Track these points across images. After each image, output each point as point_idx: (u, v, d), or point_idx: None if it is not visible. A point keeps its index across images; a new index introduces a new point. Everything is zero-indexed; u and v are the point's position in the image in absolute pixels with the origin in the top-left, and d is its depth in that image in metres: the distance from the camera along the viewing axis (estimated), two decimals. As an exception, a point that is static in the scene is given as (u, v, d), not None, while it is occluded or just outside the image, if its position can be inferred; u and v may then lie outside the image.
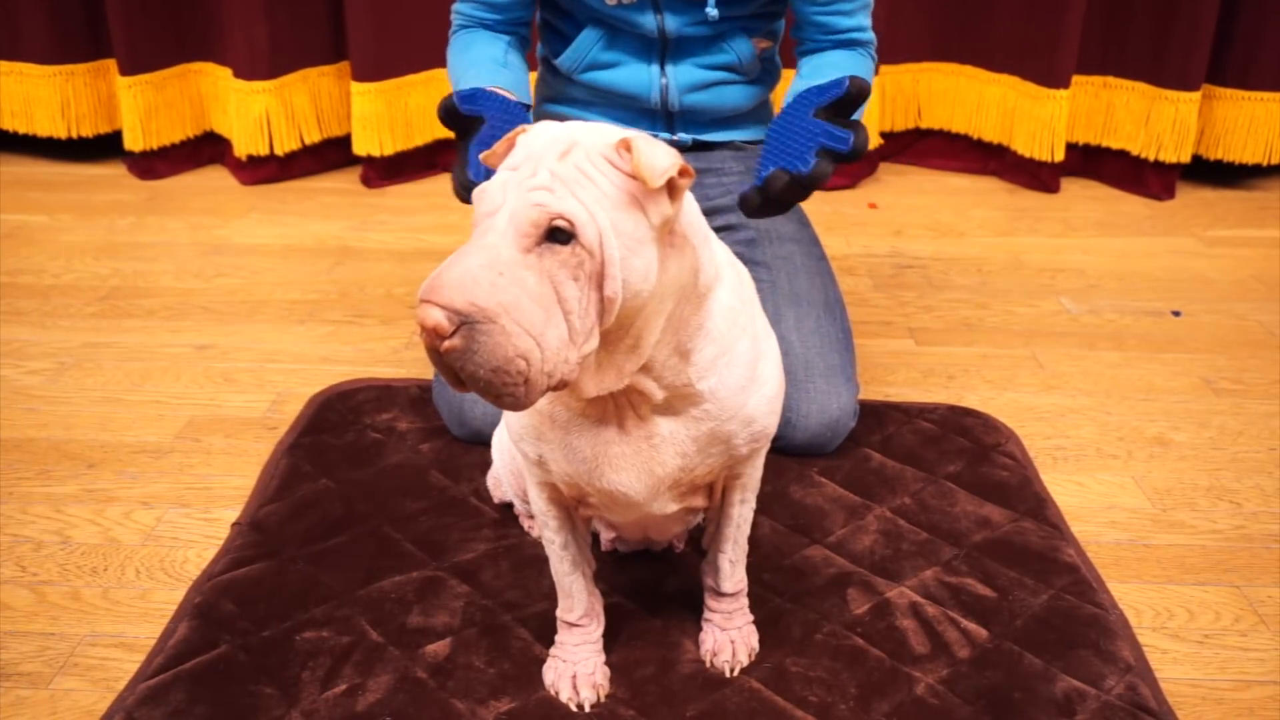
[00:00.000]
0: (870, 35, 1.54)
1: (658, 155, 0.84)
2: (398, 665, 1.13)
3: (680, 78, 1.56)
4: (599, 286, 0.84)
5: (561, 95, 1.66)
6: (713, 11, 1.47)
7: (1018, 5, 2.57)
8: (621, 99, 1.60)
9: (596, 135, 0.87)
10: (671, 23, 1.50)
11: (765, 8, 1.54)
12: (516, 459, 1.21)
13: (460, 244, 2.24)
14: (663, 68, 1.55)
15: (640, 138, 0.85)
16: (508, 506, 1.38)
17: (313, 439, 1.52)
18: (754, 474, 1.08)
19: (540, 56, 1.67)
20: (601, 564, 1.26)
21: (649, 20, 1.50)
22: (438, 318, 0.79)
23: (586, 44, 1.57)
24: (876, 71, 1.60)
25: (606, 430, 0.97)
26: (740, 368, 0.98)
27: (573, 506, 1.07)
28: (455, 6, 1.58)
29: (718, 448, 1.00)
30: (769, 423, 1.02)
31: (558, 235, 0.82)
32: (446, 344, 0.80)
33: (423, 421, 1.57)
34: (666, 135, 1.62)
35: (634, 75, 1.57)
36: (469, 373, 0.81)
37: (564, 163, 0.85)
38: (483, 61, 1.50)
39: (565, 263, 0.82)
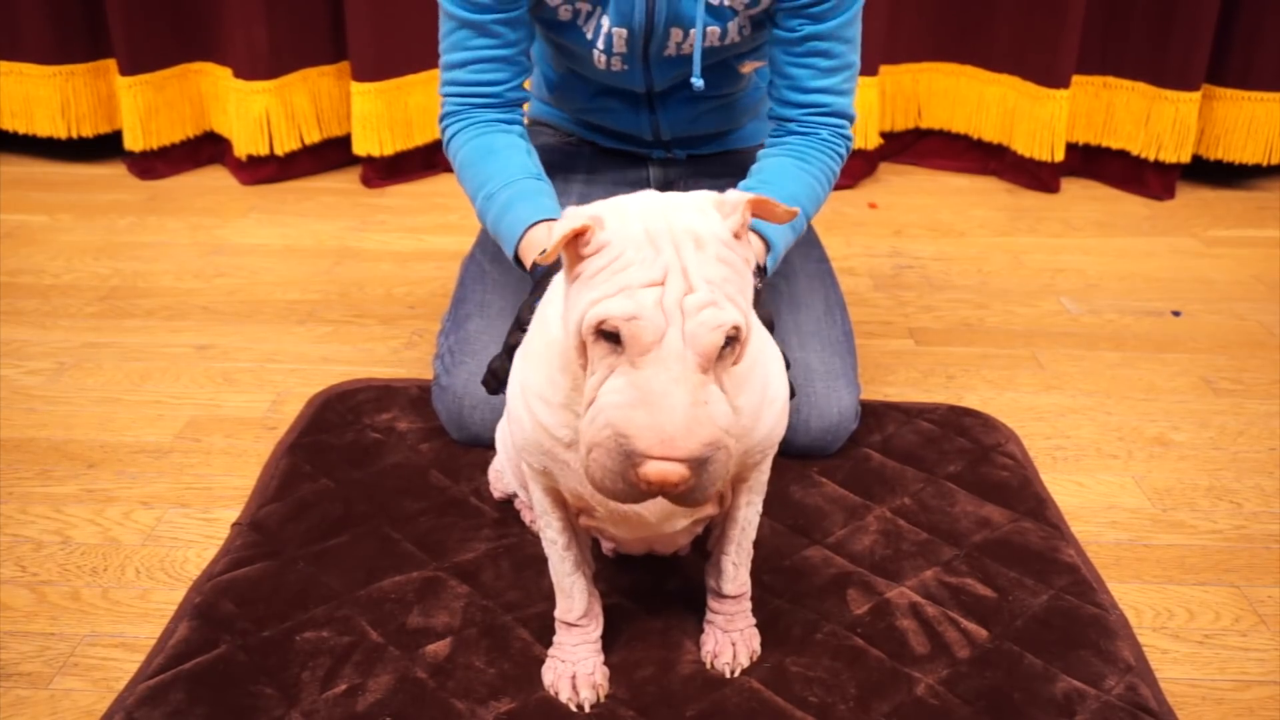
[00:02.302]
0: (845, 105, 1.41)
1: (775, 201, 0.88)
2: (398, 665, 1.13)
3: (670, 116, 1.55)
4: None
5: (558, 109, 1.66)
6: (698, 82, 1.39)
7: (1017, 5, 2.57)
8: (614, 133, 1.61)
9: (701, 216, 0.85)
10: (660, 81, 1.48)
11: (754, 41, 1.48)
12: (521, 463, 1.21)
13: (460, 245, 2.24)
14: (652, 111, 1.55)
15: (742, 196, 0.87)
16: (508, 503, 1.38)
17: (313, 439, 1.52)
18: (761, 478, 1.08)
19: (534, 56, 1.67)
20: (602, 564, 1.26)
21: (638, 82, 1.48)
22: (683, 471, 0.79)
23: (576, 93, 1.57)
24: (844, 159, 1.45)
25: None
26: (758, 385, 0.98)
27: (574, 515, 1.07)
28: (447, 78, 1.42)
29: (733, 462, 1.00)
30: (780, 433, 1.03)
31: (728, 341, 0.83)
32: (684, 487, 0.80)
33: (423, 421, 1.56)
34: (661, 154, 1.62)
35: (624, 119, 1.57)
36: (692, 498, 0.82)
37: (704, 259, 0.83)
38: (520, 177, 1.36)
39: (728, 361, 0.84)
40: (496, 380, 1.22)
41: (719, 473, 0.81)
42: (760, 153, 1.45)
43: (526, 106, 1.49)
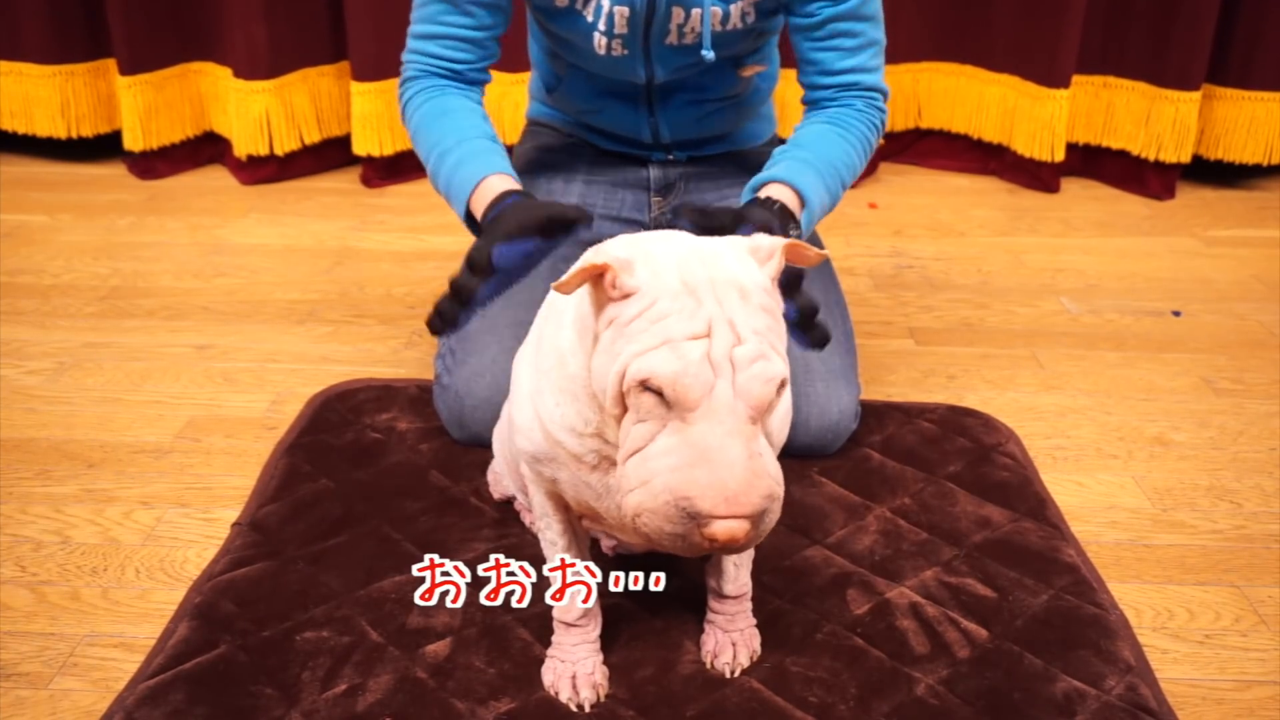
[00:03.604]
0: (876, 80, 1.41)
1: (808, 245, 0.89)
2: (398, 665, 1.13)
3: (669, 116, 1.55)
4: None
5: (557, 109, 1.66)
6: (709, 54, 1.38)
7: (1017, 5, 2.57)
8: (613, 136, 1.60)
9: (741, 264, 0.84)
10: (661, 71, 1.47)
11: (756, 40, 1.49)
12: (521, 465, 1.20)
13: (460, 245, 2.24)
14: (651, 110, 1.54)
15: (776, 242, 0.87)
16: (507, 503, 1.38)
17: (313, 439, 1.52)
18: None
19: (532, 58, 1.67)
20: (601, 565, 1.26)
21: (639, 71, 1.47)
22: (748, 527, 0.78)
23: (575, 94, 1.56)
24: (880, 131, 1.44)
25: None
26: None
27: (576, 517, 1.07)
28: (413, 46, 1.43)
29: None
30: (785, 434, 1.03)
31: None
32: (744, 540, 0.79)
33: (423, 421, 1.56)
34: (661, 156, 1.62)
35: (623, 121, 1.56)
36: (746, 548, 0.82)
37: (749, 310, 0.82)
38: (473, 136, 1.37)
39: (773, 410, 0.84)
40: (442, 320, 1.21)
41: (772, 522, 0.81)
42: (796, 126, 1.43)
43: (497, 92, 1.49)
